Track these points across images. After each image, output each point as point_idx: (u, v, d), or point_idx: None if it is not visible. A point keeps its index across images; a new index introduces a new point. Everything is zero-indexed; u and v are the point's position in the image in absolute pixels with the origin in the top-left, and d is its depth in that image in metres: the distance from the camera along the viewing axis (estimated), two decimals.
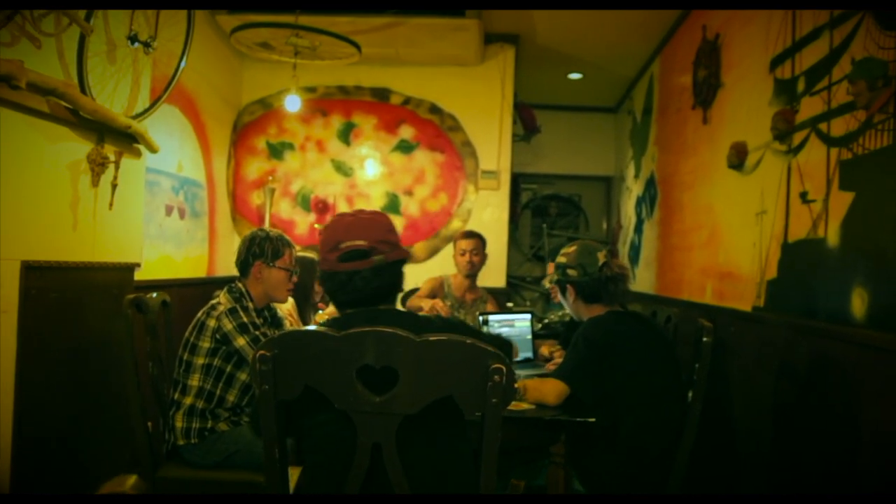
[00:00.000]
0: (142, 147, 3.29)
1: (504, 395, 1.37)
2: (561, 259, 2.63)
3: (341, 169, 5.30)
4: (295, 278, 2.76)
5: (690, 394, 2.49)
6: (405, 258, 1.78)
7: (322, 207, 5.22)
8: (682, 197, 4.27)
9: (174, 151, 4.05)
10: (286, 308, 3.21)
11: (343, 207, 5.26)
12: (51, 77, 2.57)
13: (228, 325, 2.51)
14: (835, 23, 2.33)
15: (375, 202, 5.26)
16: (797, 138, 2.58)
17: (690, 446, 2.44)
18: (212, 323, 2.54)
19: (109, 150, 2.99)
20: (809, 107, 2.49)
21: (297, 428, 1.62)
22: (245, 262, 2.67)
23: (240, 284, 2.66)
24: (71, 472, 2.88)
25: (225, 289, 2.65)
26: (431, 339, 1.39)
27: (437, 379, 1.41)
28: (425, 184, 5.23)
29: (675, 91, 4.54)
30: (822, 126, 2.39)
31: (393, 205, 5.26)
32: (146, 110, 3.24)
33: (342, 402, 1.44)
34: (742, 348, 3.01)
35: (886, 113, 2.01)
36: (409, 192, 5.29)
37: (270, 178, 5.16)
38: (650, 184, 5.24)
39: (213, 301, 2.61)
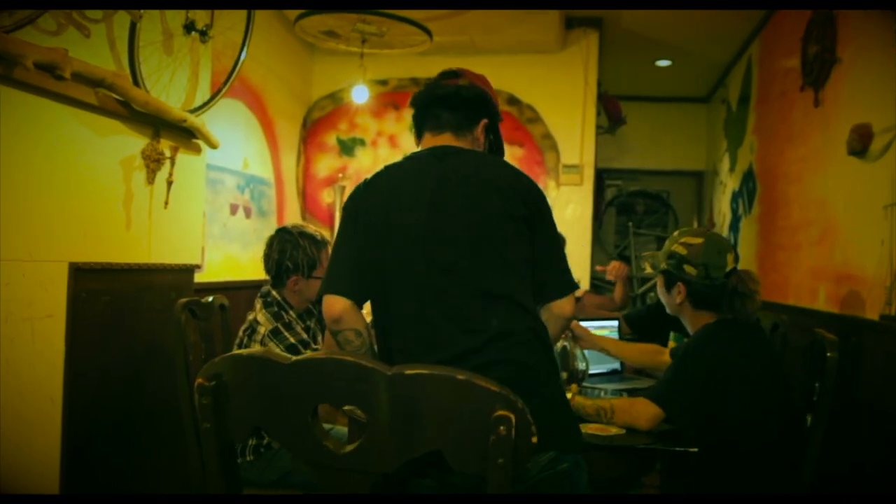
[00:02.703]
0: (202, 143, 3.13)
1: (516, 453, 0.98)
2: (679, 249, 2.16)
3: None
4: None
5: (810, 418, 2.13)
6: (487, 99, 1.83)
7: None
8: (787, 190, 3.84)
9: (239, 148, 3.90)
10: None
11: None
12: (99, 67, 2.41)
13: (276, 350, 2.29)
14: None
15: None
16: None
17: (810, 478, 2.08)
18: (257, 348, 2.32)
19: (165, 146, 2.84)
20: None
21: None
22: (278, 275, 2.43)
23: (275, 294, 2.43)
24: (121, 486, 2.73)
25: (259, 302, 2.42)
26: (408, 372, 1.03)
27: (417, 429, 1.04)
28: None
29: (778, 73, 4.10)
30: None
31: None
32: (205, 104, 3.07)
33: (298, 451, 1.13)
34: (869, 363, 2.60)
35: None
36: None
37: (341, 175, 4.98)
38: (748, 177, 4.80)
39: (250, 318, 2.39)
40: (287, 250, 2.39)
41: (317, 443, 1.09)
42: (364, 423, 1.09)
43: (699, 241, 2.15)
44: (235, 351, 2.38)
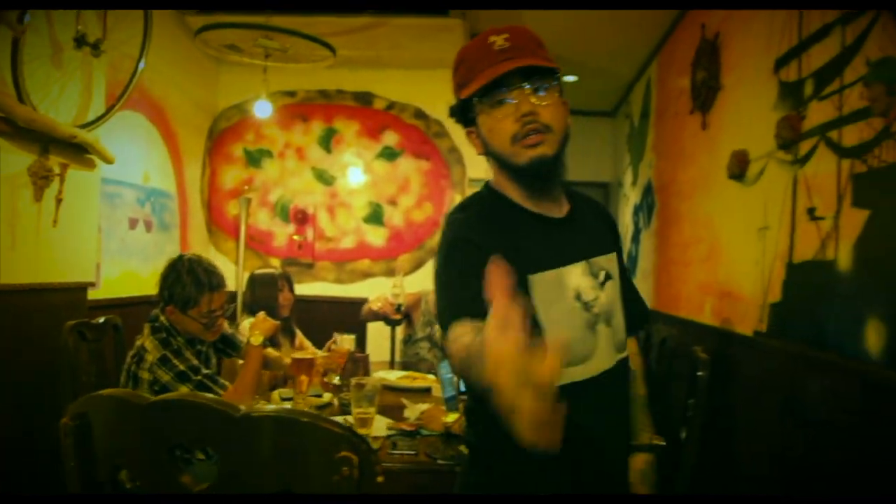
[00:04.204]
0: (96, 158, 3.05)
1: (361, 492, 1.02)
2: None
3: (322, 177, 5.05)
4: (222, 322, 2.42)
5: (684, 433, 2.25)
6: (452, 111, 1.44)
7: (302, 218, 4.97)
8: (680, 207, 4.02)
9: (139, 161, 3.81)
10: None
11: (324, 217, 5.02)
12: None
13: (165, 377, 2.22)
14: (847, 19, 2.08)
15: (357, 212, 5.01)
16: (804, 147, 2.33)
17: (684, 490, 2.19)
18: (145, 376, 2.22)
19: (55, 162, 2.75)
20: (818, 112, 2.24)
21: None
22: (161, 299, 2.36)
23: (163, 319, 2.33)
24: None
25: (147, 327, 2.32)
26: (255, 416, 1.05)
27: (267, 470, 1.07)
28: (410, 193, 4.98)
29: (672, 94, 4.28)
30: (833, 134, 2.14)
31: (376, 215, 5.01)
32: (98, 118, 3.00)
33: (156, 489, 1.15)
34: (742, 377, 2.75)
35: None
36: (393, 202, 5.04)
37: (247, 187, 4.91)
38: (647, 192, 4.99)
39: (138, 343, 2.28)
40: (170, 277, 2.33)
41: (173, 481, 1.11)
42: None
43: None
44: (107, 389, 2.30)
